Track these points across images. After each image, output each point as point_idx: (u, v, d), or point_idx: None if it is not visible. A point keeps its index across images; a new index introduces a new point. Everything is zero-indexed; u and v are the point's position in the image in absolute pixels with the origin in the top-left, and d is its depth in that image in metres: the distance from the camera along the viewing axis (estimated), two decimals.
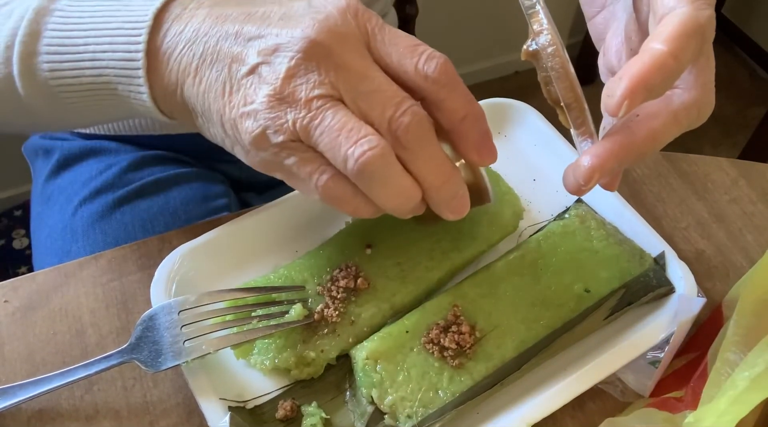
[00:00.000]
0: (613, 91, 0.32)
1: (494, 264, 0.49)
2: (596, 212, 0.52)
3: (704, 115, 0.37)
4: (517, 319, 0.46)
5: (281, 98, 0.36)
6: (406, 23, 0.93)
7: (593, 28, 0.43)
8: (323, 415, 0.44)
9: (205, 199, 0.70)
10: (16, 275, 0.56)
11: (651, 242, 0.50)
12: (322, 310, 0.46)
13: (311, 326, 0.46)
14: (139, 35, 0.40)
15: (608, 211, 0.52)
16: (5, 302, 0.51)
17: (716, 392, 0.40)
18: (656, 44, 0.32)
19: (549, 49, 0.37)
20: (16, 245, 1.44)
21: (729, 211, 0.58)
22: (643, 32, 0.38)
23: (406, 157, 0.36)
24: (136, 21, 0.40)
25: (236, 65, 0.38)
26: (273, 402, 0.45)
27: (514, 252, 0.49)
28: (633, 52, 0.39)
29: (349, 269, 0.47)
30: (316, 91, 0.36)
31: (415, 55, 0.36)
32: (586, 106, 0.37)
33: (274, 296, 0.46)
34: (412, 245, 0.49)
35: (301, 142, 0.37)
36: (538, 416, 0.43)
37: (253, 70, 0.37)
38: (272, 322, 0.45)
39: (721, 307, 0.51)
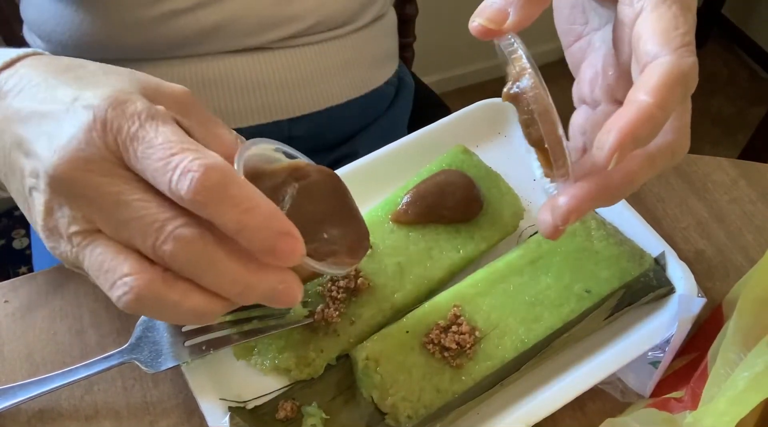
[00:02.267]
0: (603, 143, 0.32)
1: (494, 264, 0.49)
2: (596, 212, 0.52)
3: (679, 157, 0.37)
4: (518, 319, 0.46)
5: (50, 230, 0.35)
6: (406, 23, 0.93)
7: (569, 56, 0.43)
8: (323, 415, 0.44)
9: None
10: (16, 275, 0.56)
11: (651, 242, 0.50)
12: (323, 310, 0.46)
13: (311, 326, 0.46)
14: None
15: (608, 212, 0.52)
16: (5, 302, 0.51)
17: (716, 392, 0.40)
18: (642, 96, 0.32)
19: (532, 93, 0.36)
20: (16, 245, 1.44)
21: (729, 211, 0.58)
22: (621, 71, 0.38)
23: (189, 277, 0.33)
24: None
25: (24, 181, 0.35)
26: (273, 402, 0.45)
27: (514, 252, 0.49)
28: (609, 87, 0.39)
29: None
30: (72, 228, 0.33)
31: (168, 172, 0.31)
32: (566, 146, 0.37)
33: None
34: (411, 244, 0.49)
35: None
36: (538, 417, 0.43)
37: (30, 192, 0.35)
38: (272, 322, 0.45)
39: (721, 307, 0.51)
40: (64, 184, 0.33)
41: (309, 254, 0.36)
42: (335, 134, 0.73)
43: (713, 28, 1.94)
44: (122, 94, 0.33)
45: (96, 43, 0.61)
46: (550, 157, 0.36)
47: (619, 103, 0.37)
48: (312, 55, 0.67)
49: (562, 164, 0.36)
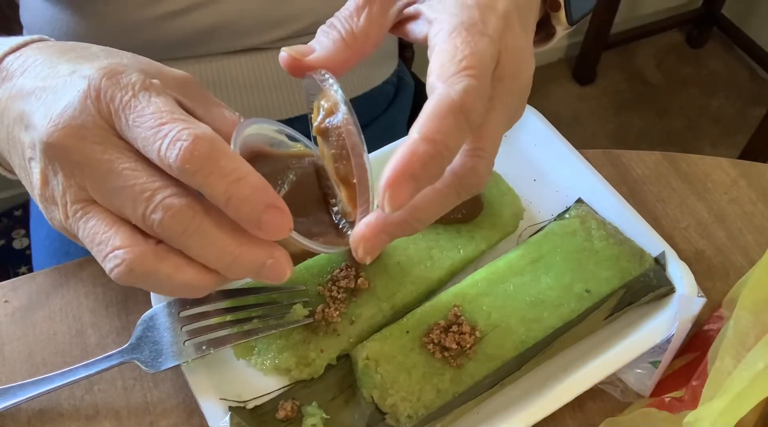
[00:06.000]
0: (379, 188, 0.31)
1: (495, 264, 0.49)
2: (596, 212, 0.52)
3: (471, 181, 0.35)
4: (518, 319, 0.46)
5: (45, 199, 0.35)
6: None
7: None
8: (324, 415, 0.44)
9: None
10: (16, 275, 0.56)
11: (651, 242, 0.50)
12: (323, 310, 0.46)
13: (311, 326, 0.46)
14: None
15: (608, 212, 0.52)
16: (5, 302, 0.51)
17: (716, 392, 0.40)
18: (413, 133, 0.31)
19: (344, 128, 0.36)
20: (16, 245, 1.44)
21: (729, 211, 0.58)
22: None
23: (179, 248, 0.33)
24: None
25: (23, 153, 0.36)
26: (273, 402, 0.45)
27: (515, 252, 0.49)
28: None
29: (349, 269, 0.47)
30: (66, 198, 0.34)
31: (157, 140, 0.31)
32: (371, 183, 0.36)
33: (275, 296, 0.46)
34: (411, 244, 0.49)
35: None
36: (538, 416, 0.43)
37: (29, 163, 0.36)
38: (272, 322, 0.45)
39: (721, 307, 0.51)
40: (58, 151, 0.33)
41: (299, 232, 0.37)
42: None
43: (713, 28, 1.94)
44: (119, 66, 0.34)
45: None
46: (357, 192, 0.36)
47: None
48: None
49: (366, 200, 0.36)
